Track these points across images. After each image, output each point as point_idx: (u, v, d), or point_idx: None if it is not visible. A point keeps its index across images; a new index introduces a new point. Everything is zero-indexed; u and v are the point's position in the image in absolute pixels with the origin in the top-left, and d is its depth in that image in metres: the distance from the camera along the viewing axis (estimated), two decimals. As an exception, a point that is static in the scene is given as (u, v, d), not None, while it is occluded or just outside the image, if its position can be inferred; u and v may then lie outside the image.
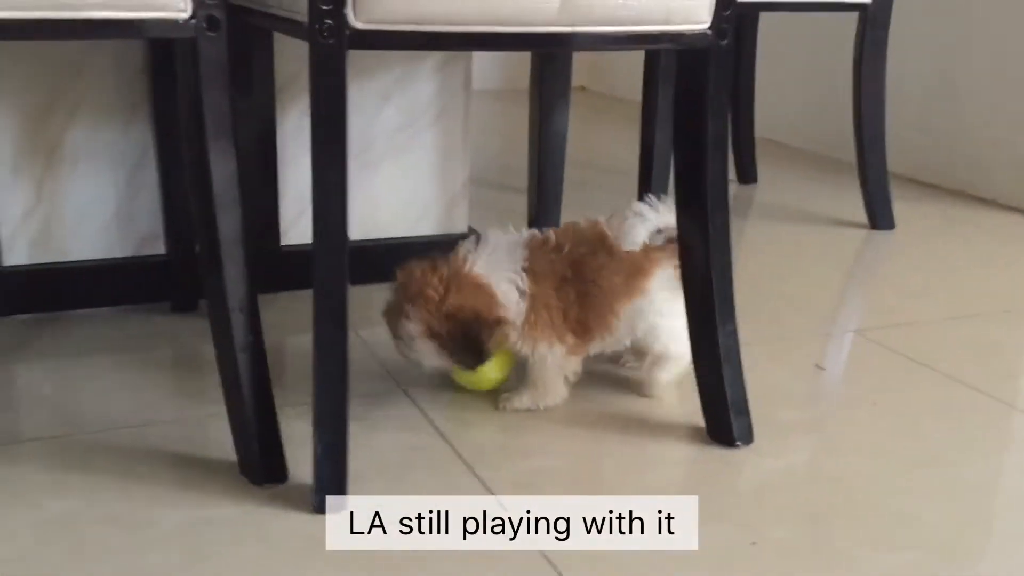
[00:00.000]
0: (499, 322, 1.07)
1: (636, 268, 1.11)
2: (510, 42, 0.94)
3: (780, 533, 0.92)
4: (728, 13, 1.01)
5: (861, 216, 1.99)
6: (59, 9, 0.81)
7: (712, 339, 1.06)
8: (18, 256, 1.33)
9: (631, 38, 0.97)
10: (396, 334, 1.11)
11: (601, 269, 1.10)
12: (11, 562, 0.83)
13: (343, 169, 0.88)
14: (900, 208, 2.04)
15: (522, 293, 1.07)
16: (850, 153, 1.98)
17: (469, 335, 1.05)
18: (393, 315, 1.11)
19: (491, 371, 1.13)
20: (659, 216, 1.14)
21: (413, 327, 1.06)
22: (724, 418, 1.07)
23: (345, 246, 0.90)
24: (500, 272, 1.08)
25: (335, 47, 0.87)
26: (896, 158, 2.38)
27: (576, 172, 2.34)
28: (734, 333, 1.07)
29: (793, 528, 0.93)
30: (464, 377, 1.15)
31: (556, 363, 1.11)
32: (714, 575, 0.85)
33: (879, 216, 1.96)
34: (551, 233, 1.14)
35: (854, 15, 1.87)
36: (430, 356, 1.08)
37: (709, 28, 1.00)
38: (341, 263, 0.90)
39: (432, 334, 1.06)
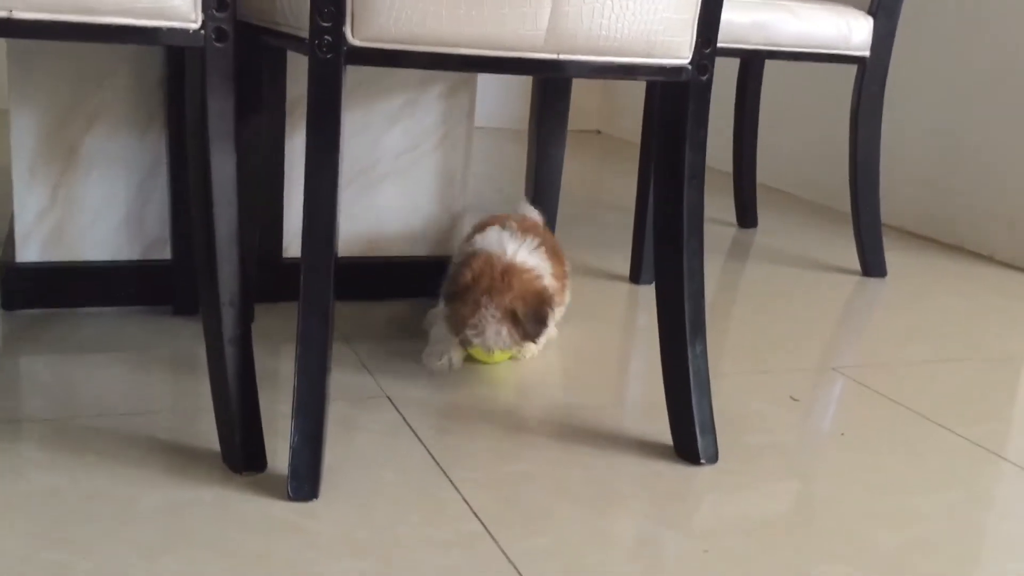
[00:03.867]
0: (555, 299, 1.31)
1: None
2: (500, 65, 1.00)
3: (732, 543, 0.95)
4: (709, 51, 1.07)
5: (854, 263, 2.03)
6: (81, 13, 0.88)
7: (682, 359, 1.10)
8: (31, 253, 1.40)
9: (614, 68, 1.03)
10: (466, 325, 1.25)
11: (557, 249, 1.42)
12: (3, 520, 0.88)
13: (335, 176, 0.94)
14: (894, 258, 2.08)
15: (548, 273, 1.32)
16: (848, 203, 2.02)
17: (540, 313, 1.26)
18: (463, 310, 1.25)
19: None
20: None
21: (493, 313, 1.23)
22: (691, 436, 1.11)
23: (332, 242, 0.95)
24: (536, 259, 1.31)
25: (333, 62, 0.93)
26: (894, 210, 2.43)
27: (577, 208, 2.41)
28: (703, 354, 1.11)
29: (746, 539, 0.96)
30: (493, 356, 1.31)
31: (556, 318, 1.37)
32: (664, 578, 0.89)
33: (871, 263, 2.00)
34: (524, 219, 1.45)
35: (853, 67, 1.93)
36: (502, 337, 1.25)
37: (690, 63, 1.06)
38: (328, 259, 0.95)
39: (508, 316, 1.24)
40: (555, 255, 1.39)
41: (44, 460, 1.00)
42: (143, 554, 0.86)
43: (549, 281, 1.31)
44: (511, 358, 1.37)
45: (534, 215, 1.54)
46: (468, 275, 1.26)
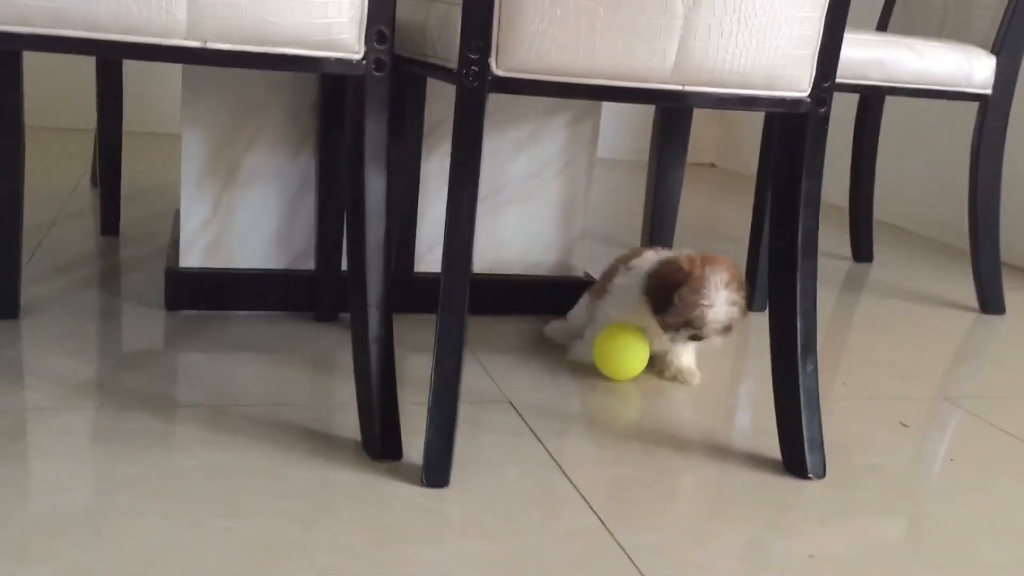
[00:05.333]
0: None
1: None
2: (630, 95, 1.08)
3: (838, 550, 1.00)
4: (827, 84, 1.13)
5: (972, 300, 2.03)
6: (263, 44, 1.00)
7: (793, 378, 1.16)
8: (193, 260, 1.54)
9: (736, 100, 1.10)
10: (696, 304, 1.33)
11: None
12: (173, 493, 1.00)
13: (475, 189, 1.04)
14: (1014, 297, 2.07)
15: None
16: (967, 240, 2.03)
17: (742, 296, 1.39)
18: (687, 290, 1.34)
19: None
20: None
21: (723, 279, 1.34)
22: (799, 452, 1.16)
23: (470, 252, 1.05)
24: None
25: (479, 90, 1.03)
26: (1014, 249, 2.40)
27: (692, 238, 2.46)
28: (814, 373, 1.16)
29: (851, 548, 1.01)
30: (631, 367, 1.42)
31: None
32: (770, 577, 0.95)
33: (989, 300, 1.99)
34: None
35: (975, 104, 1.94)
36: (731, 310, 1.35)
37: (808, 96, 1.12)
38: (466, 267, 1.04)
39: (734, 283, 1.35)
40: None
41: (207, 440, 1.12)
42: (297, 523, 0.96)
43: None
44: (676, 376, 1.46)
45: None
46: (683, 261, 1.35)
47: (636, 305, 1.40)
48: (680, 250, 1.45)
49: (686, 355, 1.46)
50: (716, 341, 1.38)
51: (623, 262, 1.50)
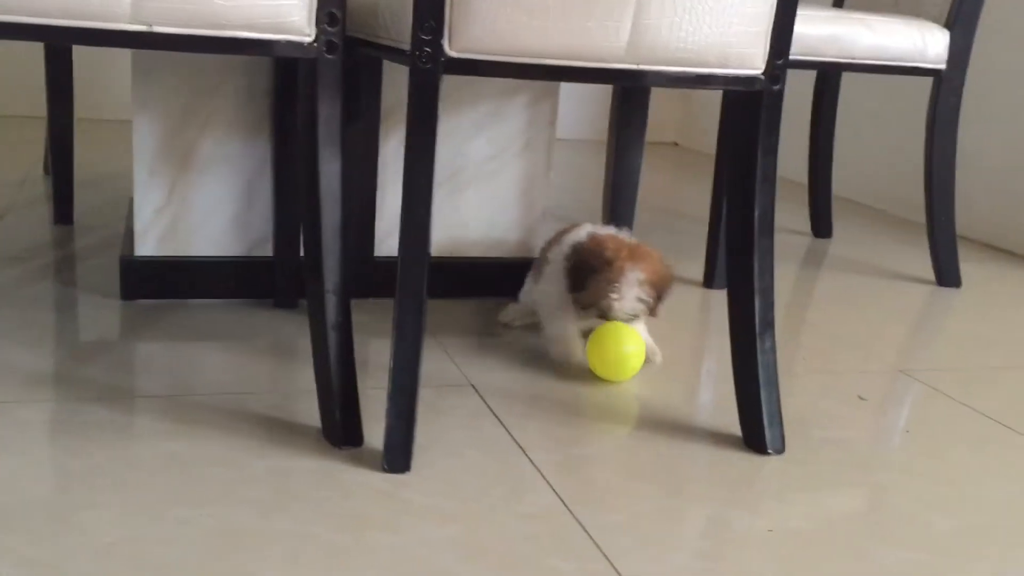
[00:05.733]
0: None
1: None
2: (585, 75, 1.08)
3: (796, 524, 1.01)
4: (781, 62, 1.13)
5: (929, 273, 2.05)
6: (211, 28, 0.99)
7: (752, 355, 1.16)
8: (148, 248, 1.52)
9: (691, 78, 1.10)
10: (608, 291, 1.33)
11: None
12: (131, 484, 0.99)
13: (430, 171, 1.03)
14: (970, 270, 2.10)
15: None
16: (924, 214, 2.05)
17: (668, 289, 1.40)
18: (605, 276, 1.34)
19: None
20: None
21: (638, 277, 1.34)
22: (758, 427, 1.17)
23: (427, 236, 1.04)
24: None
25: (432, 71, 1.02)
26: (970, 222, 2.44)
27: (653, 217, 2.47)
28: (772, 349, 1.17)
29: (809, 521, 1.02)
30: (625, 366, 1.36)
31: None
32: (731, 555, 0.95)
33: (945, 273, 2.02)
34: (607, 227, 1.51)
35: (930, 80, 1.95)
36: (640, 303, 1.35)
37: (763, 73, 1.13)
38: (423, 251, 1.04)
39: (647, 284, 1.35)
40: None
41: (164, 430, 1.11)
42: (257, 511, 0.95)
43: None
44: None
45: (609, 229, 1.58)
46: (608, 248, 1.35)
47: (563, 281, 1.40)
48: (616, 230, 1.46)
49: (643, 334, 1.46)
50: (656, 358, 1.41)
51: (557, 238, 1.50)
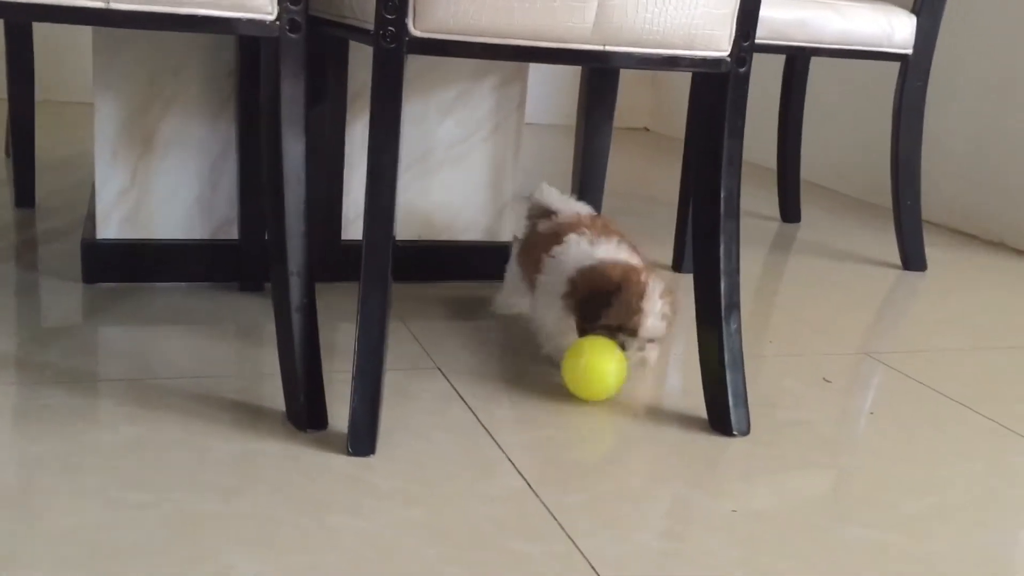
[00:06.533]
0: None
1: None
2: (551, 56, 1.07)
3: (760, 505, 1.02)
4: (747, 44, 1.13)
5: (895, 257, 2.07)
6: (170, 5, 0.97)
7: (718, 337, 1.17)
8: (110, 231, 1.50)
9: (657, 60, 1.10)
10: (639, 310, 1.22)
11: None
12: (90, 469, 0.97)
13: (395, 153, 1.02)
14: (936, 254, 2.12)
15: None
16: (891, 198, 2.06)
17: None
18: (630, 298, 1.23)
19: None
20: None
21: (661, 295, 1.24)
22: (724, 409, 1.17)
23: (391, 219, 1.03)
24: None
25: (396, 51, 1.01)
26: (936, 207, 2.46)
27: (623, 201, 2.47)
28: (738, 332, 1.17)
29: (773, 502, 1.02)
30: (606, 382, 1.22)
31: None
32: (695, 535, 0.96)
33: (911, 257, 2.04)
34: (587, 217, 1.43)
35: (897, 65, 1.96)
36: (663, 322, 1.25)
37: (729, 55, 1.12)
38: (387, 233, 1.03)
39: (666, 301, 1.25)
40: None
41: (125, 414, 1.10)
42: (219, 495, 0.94)
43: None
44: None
45: (586, 208, 1.49)
46: (620, 270, 1.25)
47: (561, 307, 1.29)
48: (604, 245, 1.31)
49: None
50: (651, 354, 1.26)
51: (547, 246, 1.35)
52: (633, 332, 1.23)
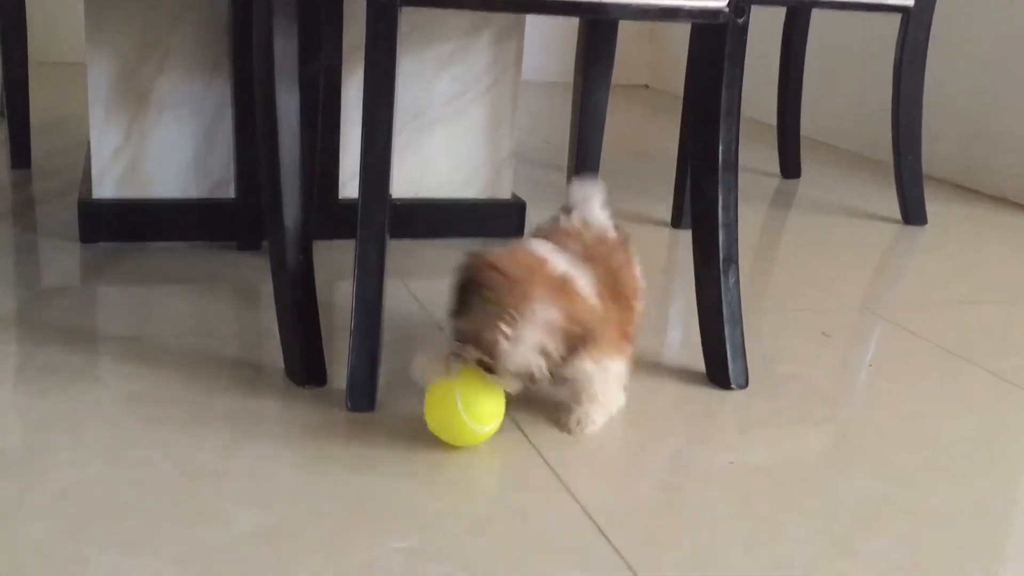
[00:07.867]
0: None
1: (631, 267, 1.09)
2: (548, 7, 1.06)
3: (757, 458, 1.02)
4: (746, -7, 1.12)
5: (896, 212, 2.06)
6: (158, -43, 0.96)
7: (716, 290, 1.16)
8: (106, 190, 1.49)
9: (655, 11, 1.09)
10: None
11: (621, 269, 1.06)
12: (89, 426, 0.98)
13: (390, 108, 1.01)
14: (936, 208, 2.11)
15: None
16: (891, 154, 2.05)
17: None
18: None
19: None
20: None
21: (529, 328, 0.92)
22: (722, 363, 1.17)
23: (387, 174, 1.03)
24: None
25: (390, 3, 1.00)
26: (937, 161, 2.44)
27: (622, 158, 2.46)
28: (736, 285, 1.17)
29: (770, 455, 1.03)
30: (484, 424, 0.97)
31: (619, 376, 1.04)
32: (692, 487, 0.96)
33: (911, 212, 2.03)
34: (561, 229, 1.07)
35: (898, 17, 1.94)
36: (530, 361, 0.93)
37: (727, 6, 1.11)
38: (384, 188, 1.02)
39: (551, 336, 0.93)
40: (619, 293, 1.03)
41: (124, 371, 1.10)
42: (218, 451, 0.95)
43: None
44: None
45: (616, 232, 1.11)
46: (518, 262, 0.94)
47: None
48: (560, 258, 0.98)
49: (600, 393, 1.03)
50: (509, 382, 0.94)
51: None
52: (488, 354, 0.92)
